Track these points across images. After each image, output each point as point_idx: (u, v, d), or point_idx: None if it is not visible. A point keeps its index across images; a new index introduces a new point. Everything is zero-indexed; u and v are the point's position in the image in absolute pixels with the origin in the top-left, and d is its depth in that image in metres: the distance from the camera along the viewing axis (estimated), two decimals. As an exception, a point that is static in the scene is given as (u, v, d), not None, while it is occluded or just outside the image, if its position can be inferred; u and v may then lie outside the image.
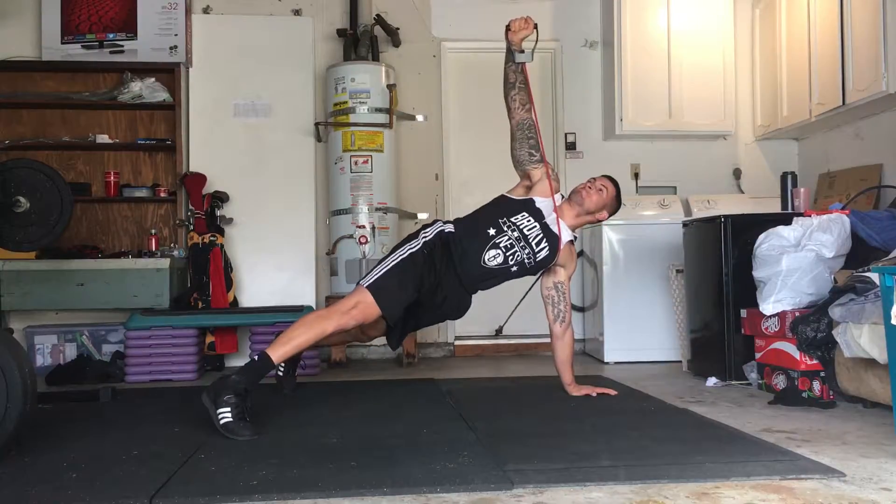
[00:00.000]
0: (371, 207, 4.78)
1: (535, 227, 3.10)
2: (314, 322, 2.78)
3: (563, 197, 3.29)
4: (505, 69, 3.24)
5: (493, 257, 3.04)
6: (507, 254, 3.05)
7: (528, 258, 3.10)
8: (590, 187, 3.27)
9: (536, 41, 3.17)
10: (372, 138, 4.82)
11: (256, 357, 2.68)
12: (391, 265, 2.94)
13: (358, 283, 2.94)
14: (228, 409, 2.51)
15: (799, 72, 4.66)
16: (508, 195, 3.25)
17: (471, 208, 3.30)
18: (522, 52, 3.19)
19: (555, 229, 3.14)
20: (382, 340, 3.61)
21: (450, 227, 3.10)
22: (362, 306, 2.82)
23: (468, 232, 3.08)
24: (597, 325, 4.81)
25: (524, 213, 3.13)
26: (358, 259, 4.69)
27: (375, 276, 2.90)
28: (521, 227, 3.09)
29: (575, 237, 3.33)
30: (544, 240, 3.11)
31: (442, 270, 3.02)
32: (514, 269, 3.10)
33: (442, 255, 3.02)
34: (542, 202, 3.17)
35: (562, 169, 5.33)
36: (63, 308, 4.62)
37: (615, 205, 3.34)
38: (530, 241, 3.09)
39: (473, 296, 3.20)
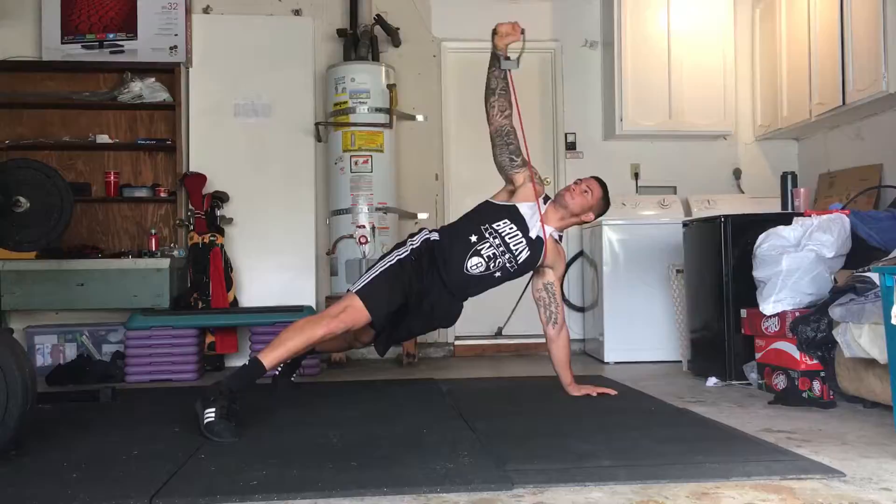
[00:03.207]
0: (371, 207, 4.78)
1: (518, 234, 3.07)
2: (304, 327, 2.80)
3: (548, 199, 3.24)
4: (488, 74, 3.15)
5: (475, 265, 3.03)
6: (490, 262, 3.05)
7: (511, 264, 3.09)
8: (574, 189, 3.21)
9: (523, 48, 3.06)
10: (372, 138, 4.82)
11: (248, 361, 2.69)
12: (380, 271, 2.97)
13: (348, 290, 2.97)
14: (214, 409, 2.51)
15: (799, 72, 4.66)
16: (492, 200, 3.21)
17: (471, 209, 3.29)
18: (508, 58, 3.08)
19: (538, 234, 3.11)
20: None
21: (435, 235, 3.11)
22: (351, 310, 2.85)
23: (451, 239, 3.08)
24: (597, 325, 4.81)
25: (506, 220, 3.08)
26: (358, 259, 4.69)
27: (364, 282, 2.94)
28: (502, 234, 3.06)
29: (560, 236, 3.29)
30: (526, 246, 3.08)
31: (428, 277, 3.02)
32: (498, 275, 3.10)
33: (428, 262, 3.03)
34: (525, 207, 3.13)
35: (562, 169, 5.33)
36: (63, 308, 4.62)
37: (602, 206, 3.27)
38: (512, 248, 3.07)
39: (469, 299, 3.19)
